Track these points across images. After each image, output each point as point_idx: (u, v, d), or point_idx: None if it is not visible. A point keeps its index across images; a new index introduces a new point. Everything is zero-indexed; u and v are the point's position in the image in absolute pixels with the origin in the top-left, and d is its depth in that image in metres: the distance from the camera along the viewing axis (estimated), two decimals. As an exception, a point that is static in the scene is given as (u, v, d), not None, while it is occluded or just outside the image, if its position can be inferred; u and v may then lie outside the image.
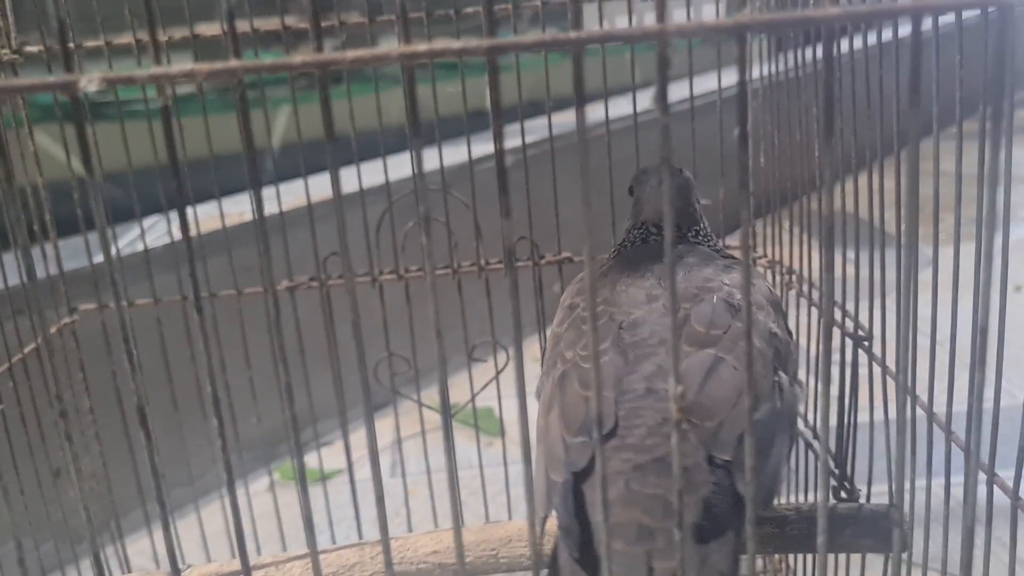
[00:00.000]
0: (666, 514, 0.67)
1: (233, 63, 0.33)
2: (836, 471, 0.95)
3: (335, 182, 0.38)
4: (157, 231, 1.61)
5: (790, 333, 0.88)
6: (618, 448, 0.72)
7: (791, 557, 1.24)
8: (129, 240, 1.62)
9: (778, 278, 1.19)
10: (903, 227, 0.76)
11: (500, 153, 0.36)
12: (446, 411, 0.44)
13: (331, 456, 1.88)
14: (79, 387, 1.10)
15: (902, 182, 0.81)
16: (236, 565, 0.83)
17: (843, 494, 0.93)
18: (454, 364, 1.26)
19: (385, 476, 1.86)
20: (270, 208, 1.46)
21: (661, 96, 0.36)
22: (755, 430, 0.69)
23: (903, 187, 0.77)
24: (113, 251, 1.32)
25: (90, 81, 0.32)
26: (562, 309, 0.92)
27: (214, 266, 1.25)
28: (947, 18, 0.72)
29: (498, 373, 1.20)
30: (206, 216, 1.37)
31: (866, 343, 0.89)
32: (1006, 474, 0.74)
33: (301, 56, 0.34)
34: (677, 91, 1.23)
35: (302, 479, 0.48)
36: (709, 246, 1.00)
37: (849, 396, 0.90)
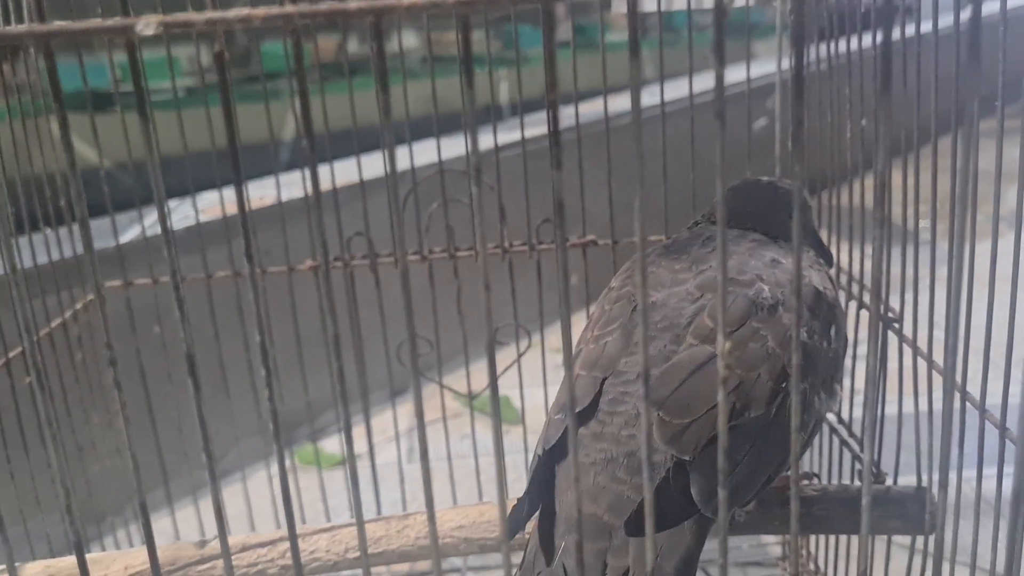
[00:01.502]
0: (623, 512, 0.68)
1: (288, 8, 0.33)
2: (862, 455, 0.95)
3: (388, 145, 0.38)
4: (180, 213, 1.62)
5: (844, 339, 0.84)
6: (596, 436, 0.73)
7: (812, 543, 1.23)
8: (151, 222, 1.63)
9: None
10: (955, 207, 0.75)
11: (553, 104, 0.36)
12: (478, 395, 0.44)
13: (333, 444, 1.89)
14: (104, 362, 1.10)
15: (957, 161, 0.80)
16: (259, 537, 0.84)
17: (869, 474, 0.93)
18: (475, 351, 1.26)
19: (403, 461, 1.87)
20: (294, 192, 1.47)
21: (718, 46, 0.35)
22: (729, 436, 0.69)
23: (958, 166, 0.77)
24: (139, 230, 1.34)
25: (147, 24, 0.32)
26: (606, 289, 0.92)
27: (238, 248, 1.26)
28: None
29: (520, 356, 1.20)
30: (226, 201, 1.37)
31: (896, 325, 0.89)
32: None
33: (356, 2, 0.33)
34: (706, 82, 1.23)
35: (349, 447, 0.48)
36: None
37: (877, 378, 0.90)
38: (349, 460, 0.42)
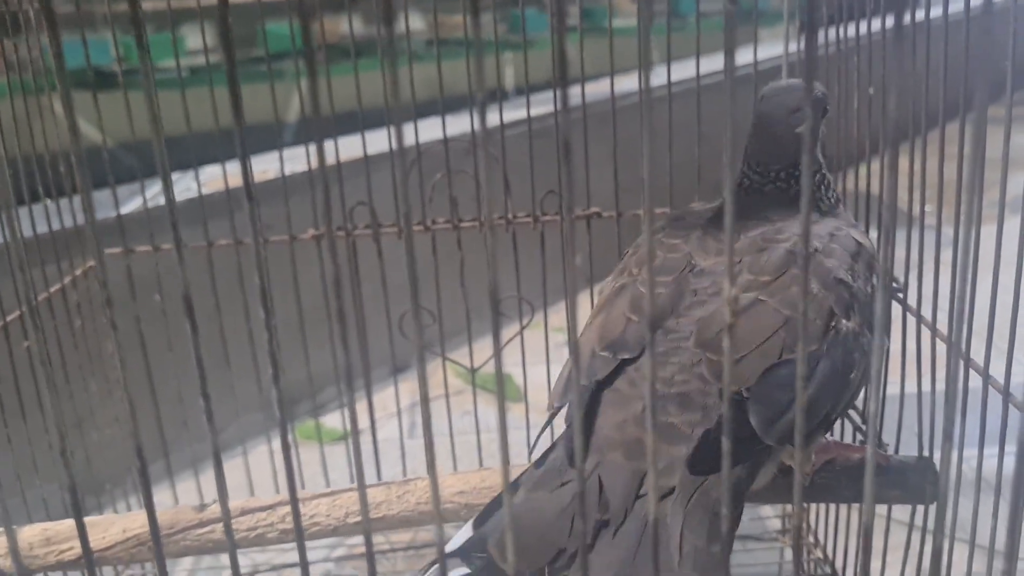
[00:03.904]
0: (673, 441, 0.69)
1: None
2: (864, 426, 0.94)
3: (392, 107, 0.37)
4: (182, 186, 1.61)
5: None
6: (646, 379, 0.72)
7: (812, 517, 1.23)
8: (153, 194, 1.62)
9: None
10: (964, 184, 0.74)
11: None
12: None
13: (335, 420, 1.89)
14: (103, 331, 1.10)
15: (966, 147, 0.79)
16: (258, 502, 0.83)
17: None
18: (477, 326, 1.25)
19: (405, 437, 1.87)
20: (297, 167, 1.46)
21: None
22: (780, 369, 0.69)
23: (966, 151, 0.76)
24: (140, 202, 1.33)
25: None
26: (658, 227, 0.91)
27: (239, 220, 1.25)
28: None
29: (523, 328, 1.20)
30: (230, 174, 1.37)
31: (900, 294, 0.88)
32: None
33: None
34: (713, 64, 1.23)
35: (352, 417, 0.48)
36: (826, 195, 0.90)
37: (881, 335, 0.89)
38: (353, 434, 0.41)
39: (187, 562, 1.45)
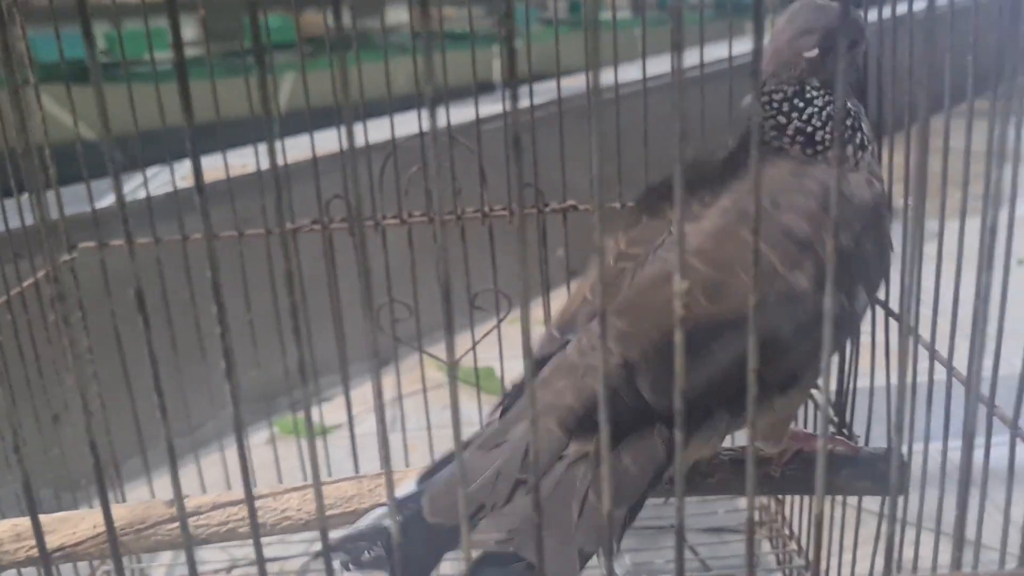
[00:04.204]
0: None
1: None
2: (835, 418, 0.95)
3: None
4: (159, 180, 1.61)
5: (881, 245, 0.78)
6: (593, 349, 0.73)
7: (787, 508, 1.24)
8: (131, 188, 1.62)
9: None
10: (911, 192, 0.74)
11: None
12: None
13: (332, 411, 1.89)
14: (78, 326, 1.09)
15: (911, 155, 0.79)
16: (230, 496, 0.83)
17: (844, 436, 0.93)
18: (456, 319, 1.25)
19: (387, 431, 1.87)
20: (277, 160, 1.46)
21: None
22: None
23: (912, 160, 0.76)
24: (113, 197, 1.32)
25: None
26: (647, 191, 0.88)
27: (216, 215, 1.24)
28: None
29: (500, 321, 1.20)
30: (210, 167, 1.36)
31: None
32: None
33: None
34: (689, 59, 1.23)
35: (308, 422, 0.48)
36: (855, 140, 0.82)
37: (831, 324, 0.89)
38: (307, 427, 0.41)
39: (167, 556, 1.45)
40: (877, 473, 0.84)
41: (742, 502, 1.37)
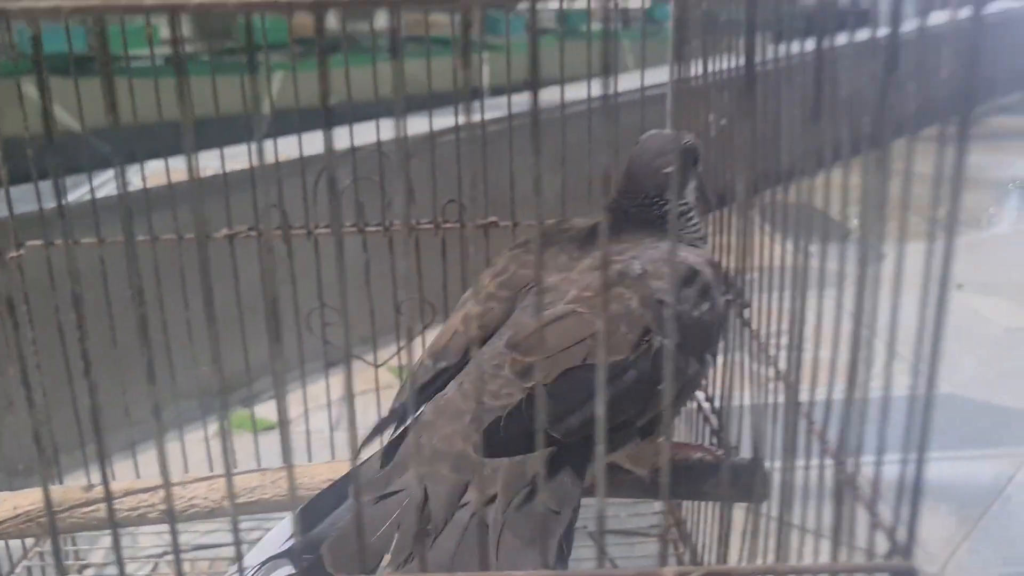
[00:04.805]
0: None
1: None
2: (716, 429, 1.02)
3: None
4: (111, 183, 1.67)
5: (719, 315, 0.89)
6: (476, 391, 0.80)
7: (683, 511, 1.30)
8: (81, 193, 1.68)
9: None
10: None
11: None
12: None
13: (268, 410, 1.95)
14: (23, 320, 1.16)
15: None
16: (141, 484, 0.90)
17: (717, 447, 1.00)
18: (382, 324, 1.32)
19: (333, 429, 1.93)
20: (238, 164, 1.53)
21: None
22: (578, 373, 0.76)
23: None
24: (82, 192, 1.38)
25: None
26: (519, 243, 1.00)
27: (157, 220, 1.30)
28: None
29: (424, 328, 1.27)
30: (153, 172, 1.41)
31: (746, 310, 0.96)
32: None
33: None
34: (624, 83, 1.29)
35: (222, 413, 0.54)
36: (687, 224, 0.99)
37: (726, 357, 0.97)
38: (221, 424, 0.48)
39: (108, 540, 1.51)
40: (740, 481, 0.90)
41: (645, 507, 1.43)
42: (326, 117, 0.44)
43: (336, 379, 1.94)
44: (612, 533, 1.34)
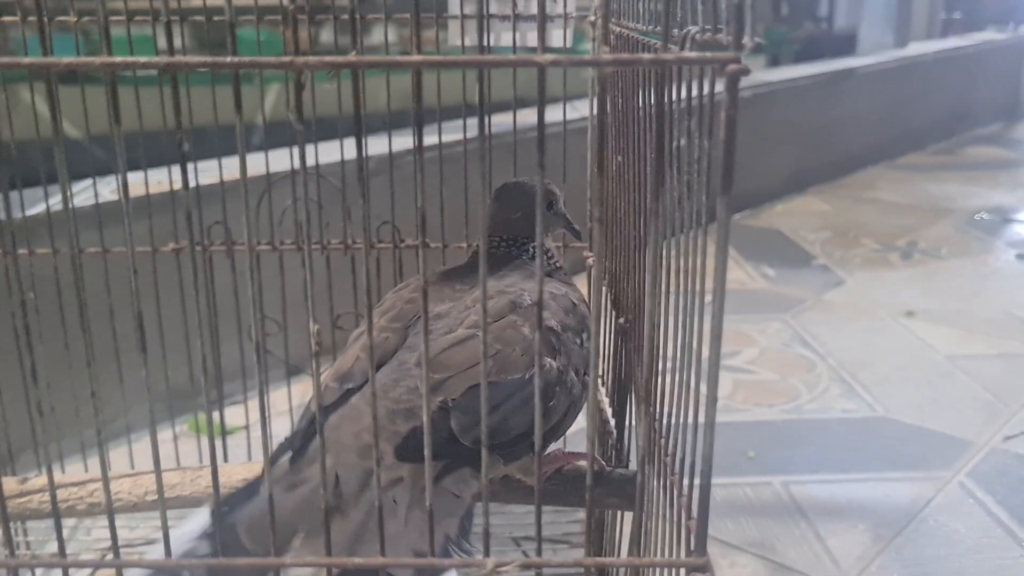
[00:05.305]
0: (394, 442, 0.85)
1: None
2: (616, 444, 1.10)
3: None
4: (85, 195, 1.75)
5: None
6: (380, 397, 0.88)
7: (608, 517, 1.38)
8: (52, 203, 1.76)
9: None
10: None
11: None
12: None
13: (235, 415, 2.03)
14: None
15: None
16: (70, 478, 0.98)
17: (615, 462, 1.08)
18: (324, 337, 1.40)
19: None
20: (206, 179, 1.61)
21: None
22: (484, 388, 0.84)
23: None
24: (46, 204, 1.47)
25: None
26: (402, 285, 1.09)
27: (113, 232, 1.38)
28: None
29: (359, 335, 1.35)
30: (132, 183, 1.50)
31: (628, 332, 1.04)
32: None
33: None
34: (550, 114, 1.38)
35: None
36: (548, 262, 1.12)
37: (620, 376, 1.05)
38: (150, 424, 0.56)
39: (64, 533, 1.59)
40: (624, 493, 0.98)
41: (580, 514, 1.50)
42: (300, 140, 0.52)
43: (297, 387, 2.02)
44: (529, 540, 1.41)
